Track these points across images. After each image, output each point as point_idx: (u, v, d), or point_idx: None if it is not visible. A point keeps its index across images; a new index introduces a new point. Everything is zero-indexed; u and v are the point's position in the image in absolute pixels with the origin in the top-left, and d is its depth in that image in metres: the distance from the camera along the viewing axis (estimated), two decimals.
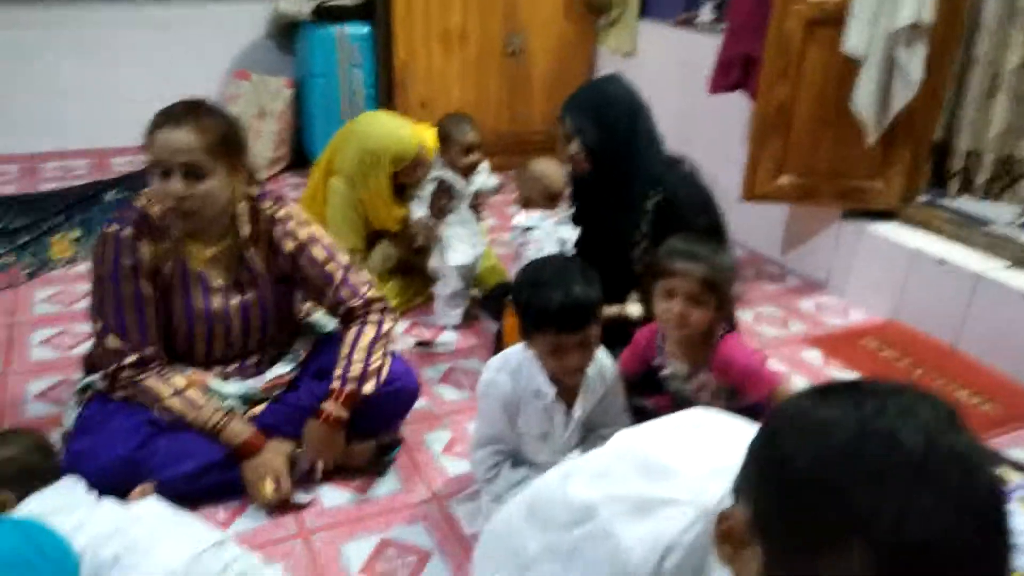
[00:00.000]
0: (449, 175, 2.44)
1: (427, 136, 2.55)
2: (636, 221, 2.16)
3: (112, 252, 1.64)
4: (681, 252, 1.64)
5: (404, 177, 2.45)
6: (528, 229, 2.15)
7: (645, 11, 3.87)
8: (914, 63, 2.44)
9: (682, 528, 0.83)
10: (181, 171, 1.57)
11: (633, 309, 2.15)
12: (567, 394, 1.57)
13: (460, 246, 2.50)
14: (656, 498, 0.86)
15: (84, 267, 2.83)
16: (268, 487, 1.67)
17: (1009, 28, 2.53)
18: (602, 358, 1.61)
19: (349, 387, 1.71)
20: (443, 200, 2.46)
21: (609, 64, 4.06)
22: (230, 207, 1.70)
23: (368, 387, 1.73)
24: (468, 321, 2.57)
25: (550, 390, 1.54)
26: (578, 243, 2.31)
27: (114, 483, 1.57)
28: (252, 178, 1.77)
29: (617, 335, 1.85)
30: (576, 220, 2.30)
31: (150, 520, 1.46)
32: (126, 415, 1.64)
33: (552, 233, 2.14)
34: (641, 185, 2.13)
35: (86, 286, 2.64)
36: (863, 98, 2.53)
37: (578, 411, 1.58)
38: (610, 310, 1.98)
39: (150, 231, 1.67)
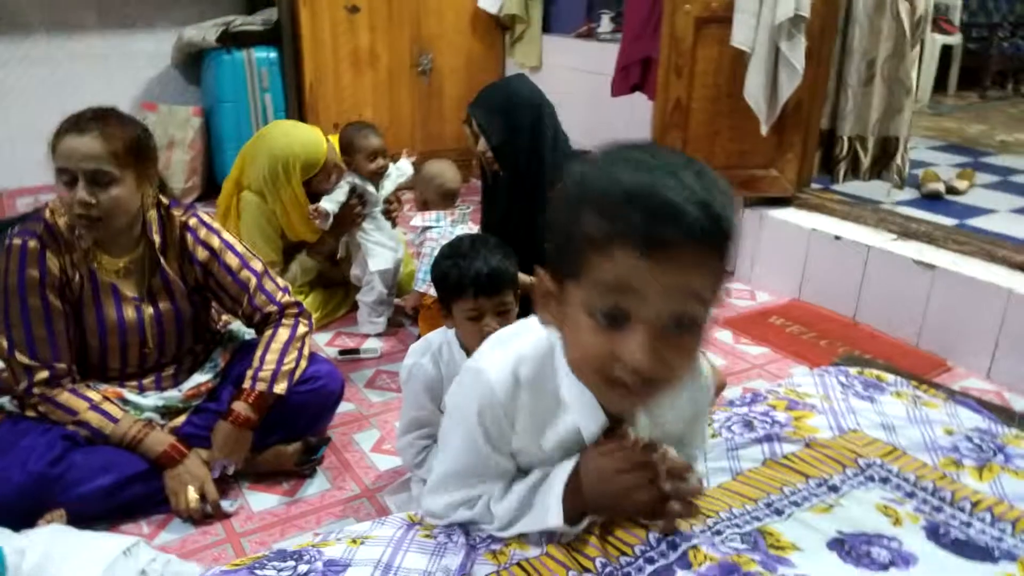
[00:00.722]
0: (359, 181, 2.47)
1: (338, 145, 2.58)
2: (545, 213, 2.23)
3: (17, 264, 1.60)
4: None
5: (317, 185, 2.46)
6: (426, 228, 2.21)
7: (548, 26, 4.01)
8: (797, 53, 2.60)
9: (530, 344, 0.93)
10: (86, 178, 1.56)
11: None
12: None
13: (381, 251, 2.53)
14: (512, 334, 0.98)
15: None
16: (191, 495, 1.64)
17: (878, 20, 2.73)
18: None
19: (259, 387, 1.72)
20: (357, 208, 2.49)
21: None
22: (140, 216, 1.69)
23: (280, 387, 1.74)
24: (391, 328, 2.59)
25: None
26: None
27: (28, 504, 1.53)
28: (164, 187, 1.76)
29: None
30: (488, 217, 2.37)
31: (47, 544, 1.37)
32: (39, 432, 1.60)
33: (449, 232, 2.21)
34: (549, 179, 2.21)
35: None
36: (753, 88, 2.68)
37: None
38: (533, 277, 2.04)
39: (56, 243, 1.64)
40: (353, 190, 2.46)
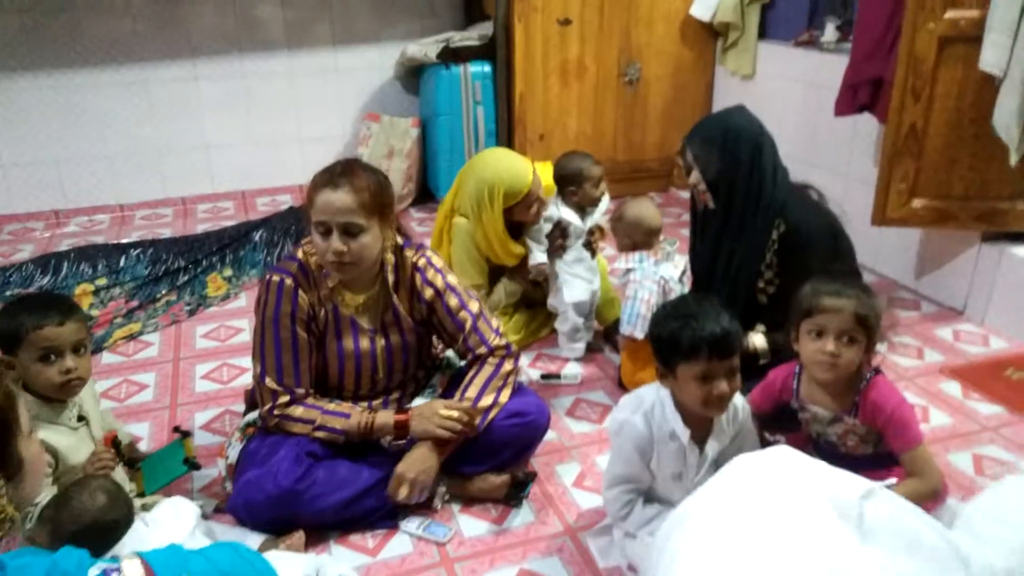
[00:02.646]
0: (566, 215, 2.52)
1: (544, 175, 2.63)
2: (761, 252, 2.16)
3: (274, 299, 1.80)
4: (829, 289, 1.63)
5: (519, 214, 2.52)
6: (628, 271, 2.22)
7: (765, 32, 3.84)
8: None
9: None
10: (340, 229, 1.72)
11: (757, 341, 2.15)
12: (699, 435, 1.60)
13: (576, 283, 2.57)
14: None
15: (237, 304, 3.08)
16: (447, 412, 1.79)
17: None
18: (735, 398, 1.63)
19: None
20: (559, 239, 2.56)
21: (728, 87, 4.04)
22: (380, 257, 1.84)
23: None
24: (591, 352, 2.63)
25: (685, 431, 1.57)
26: (699, 274, 2.34)
27: (276, 513, 1.73)
28: (399, 227, 1.91)
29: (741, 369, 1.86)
30: (696, 249, 2.33)
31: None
32: (287, 448, 1.79)
33: (652, 271, 2.19)
34: (765, 216, 2.14)
35: (240, 322, 2.91)
36: (1004, 117, 2.42)
37: (711, 451, 1.60)
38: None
39: (308, 281, 1.83)
40: (557, 224, 2.53)
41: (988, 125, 2.46)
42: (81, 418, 1.68)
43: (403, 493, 1.78)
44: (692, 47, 4.02)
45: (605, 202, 2.63)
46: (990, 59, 2.40)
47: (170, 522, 1.59)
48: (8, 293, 3.02)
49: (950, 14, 2.46)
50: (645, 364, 2.29)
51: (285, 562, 1.61)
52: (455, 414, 1.80)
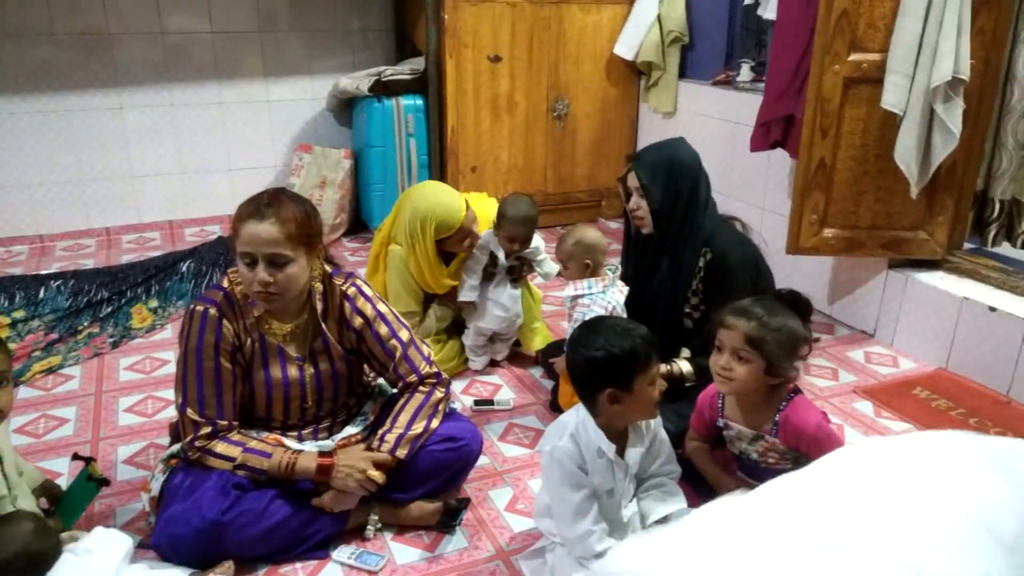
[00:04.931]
0: (495, 245, 2.59)
1: (482, 206, 2.68)
2: (689, 278, 2.25)
3: (198, 329, 1.78)
4: (737, 309, 1.73)
5: (451, 246, 2.57)
6: (577, 296, 2.28)
7: (685, 72, 4.01)
8: (953, 117, 2.50)
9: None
10: (266, 260, 1.71)
11: (683, 366, 2.23)
12: (620, 448, 1.66)
13: (492, 311, 2.65)
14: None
15: (163, 335, 3.01)
16: (371, 474, 1.78)
17: None
18: None
19: (383, 448, 1.84)
20: (488, 268, 2.62)
21: (651, 123, 4.19)
22: (308, 286, 1.84)
23: (401, 452, 1.85)
24: (522, 379, 2.68)
25: (611, 446, 1.62)
26: (630, 298, 2.41)
27: (203, 546, 1.70)
28: (328, 256, 1.91)
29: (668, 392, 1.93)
30: (632, 272, 2.41)
31: None
32: (212, 480, 1.75)
33: (600, 298, 2.26)
34: (695, 244, 2.23)
35: (166, 353, 2.85)
36: (904, 152, 2.59)
37: (630, 459, 1.66)
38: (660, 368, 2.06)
39: (233, 310, 1.81)
40: (490, 256, 2.61)
41: (891, 160, 2.64)
42: None
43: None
44: (617, 85, 4.18)
45: (538, 240, 2.68)
46: (890, 99, 2.58)
47: (102, 551, 1.55)
48: None
49: (854, 57, 2.64)
50: None
51: None
52: (379, 477, 1.79)
